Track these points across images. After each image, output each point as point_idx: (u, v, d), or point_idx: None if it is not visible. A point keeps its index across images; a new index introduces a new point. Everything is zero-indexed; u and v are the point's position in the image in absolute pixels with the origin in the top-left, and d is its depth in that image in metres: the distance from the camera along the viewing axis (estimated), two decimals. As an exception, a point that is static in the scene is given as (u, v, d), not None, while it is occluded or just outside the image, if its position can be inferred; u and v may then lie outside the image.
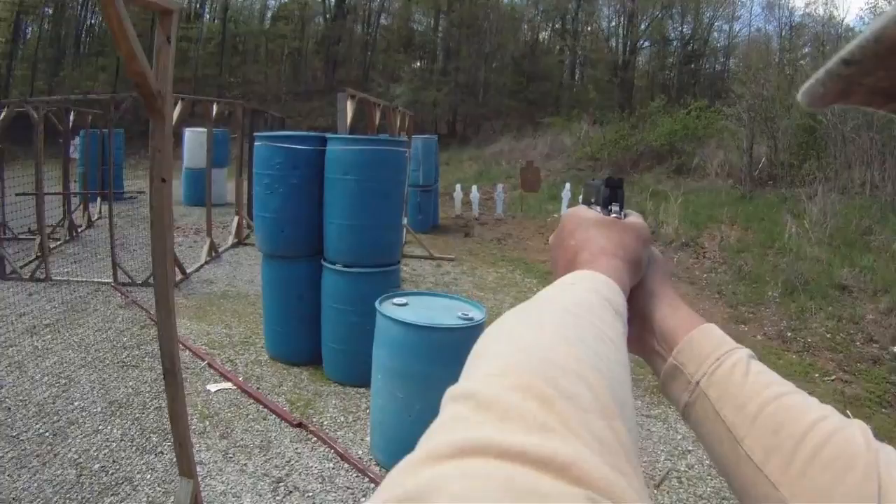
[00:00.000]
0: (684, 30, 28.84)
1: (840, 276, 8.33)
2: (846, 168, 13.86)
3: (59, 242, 9.72)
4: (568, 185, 13.61)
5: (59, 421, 4.21)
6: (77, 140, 12.87)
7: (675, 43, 28.86)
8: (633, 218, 0.75)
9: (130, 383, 4.81)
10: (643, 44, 29.36)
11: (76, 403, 4.46)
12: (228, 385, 4.76)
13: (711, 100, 19.83)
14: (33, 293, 7.03)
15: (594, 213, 0.75)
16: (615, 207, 0.76)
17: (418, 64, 30.62)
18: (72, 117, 10.21)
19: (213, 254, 8.84)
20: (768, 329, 6.98)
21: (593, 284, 0.59)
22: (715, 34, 29.19)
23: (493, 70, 29.20)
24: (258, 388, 4.73)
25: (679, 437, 4.45)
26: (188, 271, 7.93)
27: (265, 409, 4.38)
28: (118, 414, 4.32)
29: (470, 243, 11.29)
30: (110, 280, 7.38)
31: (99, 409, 4.41)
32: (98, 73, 28.49)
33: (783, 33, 26.29)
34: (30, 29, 29.39)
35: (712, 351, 0.64)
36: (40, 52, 29.21)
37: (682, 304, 0.71)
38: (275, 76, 29.79)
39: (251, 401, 4.52)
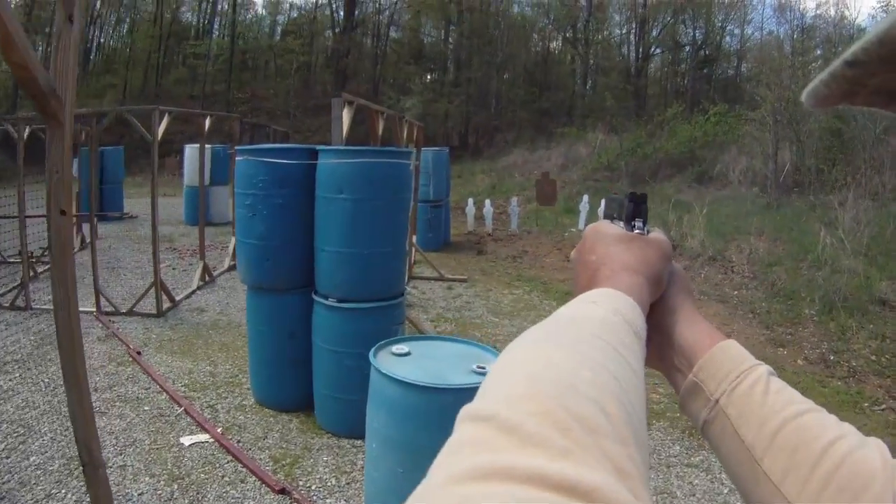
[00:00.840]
0: (696, 35, 28.32)
1: (880, 290, 7.73)
2: (876, 172, 13.18)
3: (48, 266, 9.16)
4: (585, 198, 12.99)
5: (9, 481, 3.64)
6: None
7: (687, 48, 28.32)
8: (656, 234, 0.74)
9: (97, 434, 4.20)
10: (655, 51, 28.80)
11: (32, 459, 3.88)
12: (205, 437, 4.13)
13: (730, 105, 19.15)
14: (11, 324, 6.47)
15: (616, 228, 0.74)
16: (638, 223, 0.74)
17: (429, 78, 30.23)
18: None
19: (207, 278, 8.24)
20: (809, 352, 6.36)
21: (615, 304, 0.57)
22: (727, 38, 28.79)
23: (504, 81, 28.77)
24: (239, 442, 4.10)
25: (726, 490, 3.80)
26: (178, 298, 7.33)
27: (245, 469, 3.74)
28: (75, 474, 3.71)
29: (483, 262, 10.64)
30: (93, 309, 6.80)
31: (56, 465, 3.82)
32: (106, 90, 28.25)
33: (795, 35, 25.80)
34: (41, 48, 29.34)
35: (732, 368, 0.63)
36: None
37: (702, 320, 0.70)
38: (283, 91, 29.45)
39: (229, 458, 3.88)
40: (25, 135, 8.44)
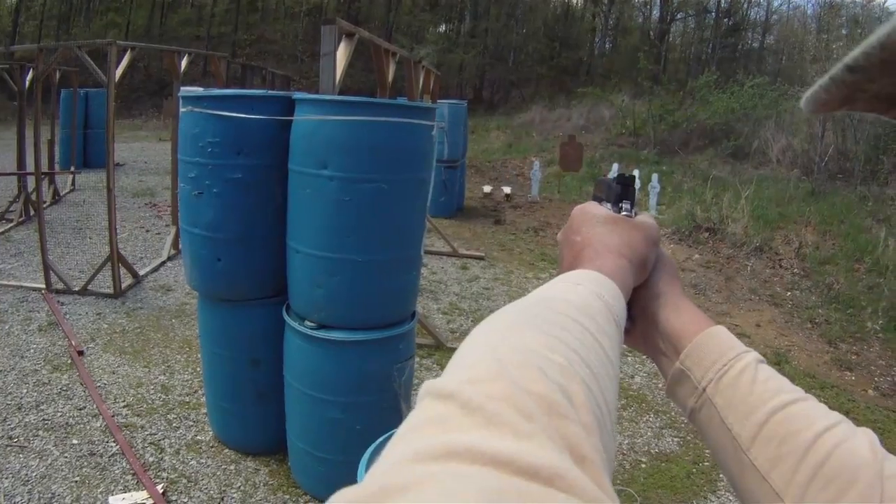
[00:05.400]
0: (722, 2, 27.04)
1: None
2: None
3: (11, 225, 8.02)
4: (616, 167, 11.88)
5: None
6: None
7: (712, 14, 27.06)
8: (643, 217, 0.74)
9: (4, 484, 3.06)
10: (678, 15, 27.48)
11: None
12: (142, 497, 2.97)
13: (772, 78, 17.90)
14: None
15: (604, 209, 0.73)
16: (626, 205, 0.74)
17: (444, 27, 29.15)
18: (28, 76, 8.38)
19: (181, 246, 7.02)
20: (879, 380, 5.30)
21: (598, 288, 0.56)
22: (754, 9, 27.89)
23: (522, 35, 27.66)
24: (185, 505, 2.96)
25: None
26: (142, 272, 6.13)
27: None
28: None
29: (502, 234, 9.40)
30: (42, 286, 5.63)
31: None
32: (107, 30, 26.91)
33: (822, 15, 25.14)
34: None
35: (719, 356, 0.62)
36: (49, 8, 28.10)
37: (688, 304, 0.69)
38: (292, 35, 28.00)
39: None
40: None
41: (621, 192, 0.74)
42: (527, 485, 0.26)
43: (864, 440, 0.53)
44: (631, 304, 0.67)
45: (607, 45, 29.68)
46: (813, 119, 13.72)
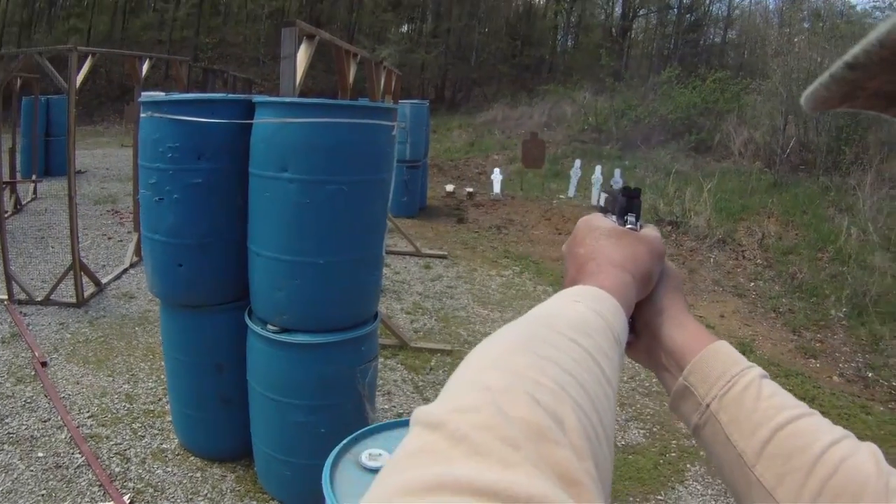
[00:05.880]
0: (684, -1, 27.32)
1: (913, 294, 6.74)
2: (888, 157, 12.19)
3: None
4: (578, 163, 11.89)
5: None
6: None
7: (674, 10, 27.31)
8: (649, 230, 0.73)
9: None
10: (640, 11, 27.75)
11: None
12: (108, 509, 2.95)
13: (734, 72, 18.12)
14: None
15: (609, 222, 0.73)
16: (631, 218, 0.73)
17: (406, 28, 29.18)
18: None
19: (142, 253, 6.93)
20: (843, 366, 5.46)
21: (598, 305, 0.56)
22: (716, 4, 27.96)
23: (484, 34, 27.82)
24: (152, 516, 2.93)
25: None
26: (105, 280, 6.04)
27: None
28: None
29: (464, 232, 9.46)
30: (4, 297, 5.52)
31: None
32: (69, 35, 26.42)
33: (784, 8, 24.85)
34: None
35: (723, 373, 0.62)
36: (10, 15, 27.48)
37: (691, 320, 0.69)
38: (254, 38, 27.76)
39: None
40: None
41: (626, 205, 0.73)
42: None
43: (868, 455, 0.53)
44: (634, 319, 0.67)
45: (569, 43, 29.73)
46: (775, 112, 13.92)
